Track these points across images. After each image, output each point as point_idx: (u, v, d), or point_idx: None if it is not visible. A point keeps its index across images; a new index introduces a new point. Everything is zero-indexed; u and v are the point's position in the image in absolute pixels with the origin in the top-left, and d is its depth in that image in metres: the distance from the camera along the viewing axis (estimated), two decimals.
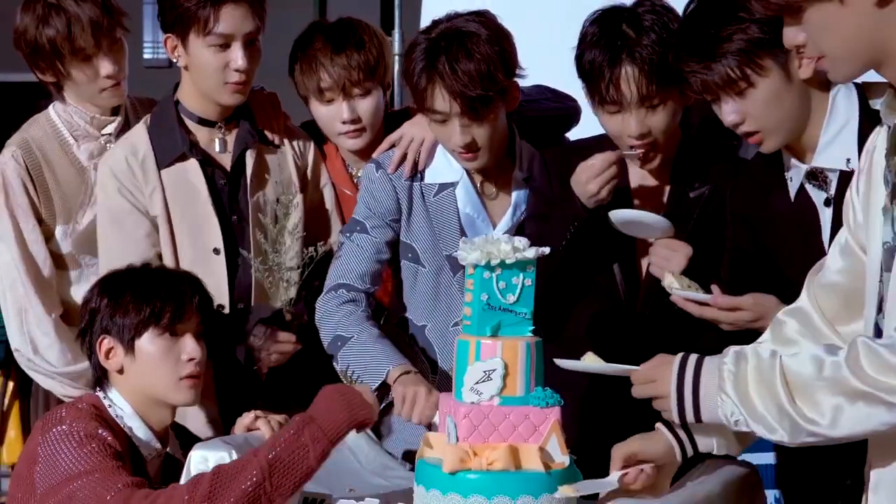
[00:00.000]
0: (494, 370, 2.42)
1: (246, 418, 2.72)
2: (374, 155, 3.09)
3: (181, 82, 3.16)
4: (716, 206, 2.79)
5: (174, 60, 3.11)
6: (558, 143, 3.09)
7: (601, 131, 2.88)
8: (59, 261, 3.30)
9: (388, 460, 2.88)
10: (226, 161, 3.16)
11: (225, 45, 3.02)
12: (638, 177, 2.88)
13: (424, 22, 4.38)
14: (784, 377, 2.10)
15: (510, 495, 2.37)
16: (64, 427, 2.59)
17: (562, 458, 2.42)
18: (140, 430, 2.71)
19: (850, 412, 2.04)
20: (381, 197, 3.02)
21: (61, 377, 3.29)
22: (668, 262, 2.71)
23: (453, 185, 3.00)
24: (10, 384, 3.41)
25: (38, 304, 3.25)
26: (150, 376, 2.71)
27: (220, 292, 3.05)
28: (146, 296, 2.72)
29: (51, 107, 3.33)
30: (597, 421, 2.82)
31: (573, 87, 2.96)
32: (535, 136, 3.04)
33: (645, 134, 2.75)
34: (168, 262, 3.09)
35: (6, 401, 3.45)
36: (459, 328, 2.61)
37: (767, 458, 3.06)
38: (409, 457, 2.94)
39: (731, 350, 2.19)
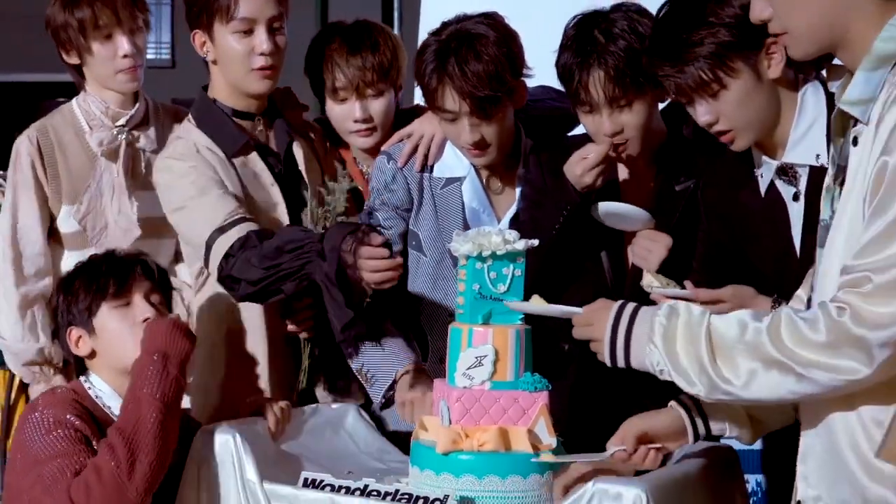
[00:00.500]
0: (486, 356, 2.53)
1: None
2: (384, 147, 3.15)
3: (211, 80, 3.18)
4: (698, 201, 2.90)
5: (204, 56, 3.14)
6: (561, 142, 3.19)
7: None
8: (61, 239, 3.41)
9: (385, 444, 2.97)
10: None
11: (249, 31, 3.06)
12: (626, 170, 2.99)
13: (424, 21, 4.48)
14: (709, 336, 2.20)
15: (500, 475, 2.48)
16: (36, 415, 2.74)
17: (549, 440, 2.53)
18: (117, 406, 2.80)
19: (763, 377, 2.14)
20: (393, 187, 3.08)
21: (7, 352, 3.39)
22: (649, 252, 2.82)
23: (460, 179, 3.08)
24: (17, 377, 3.48)
25: (11, 275, 3.36)
26: (116, 348, 2.83)
27: None
28: (92, 278, 2.88)
29: (74, 99, 3.46)
30: (583, 407, 2.92)
31: None
32: (539, 135, 3.12)
33: (618, 132, 2.85)
34: None
35: (13, 394, 3.52)
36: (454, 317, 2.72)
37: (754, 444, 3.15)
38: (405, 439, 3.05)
39: (666, 304, 2.28)
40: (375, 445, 2.96)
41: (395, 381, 2.95)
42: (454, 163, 3.09)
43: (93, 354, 2.86)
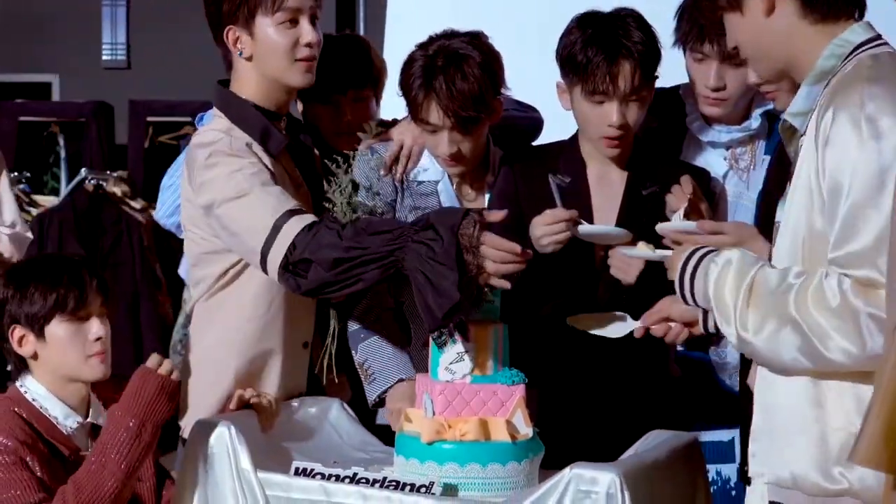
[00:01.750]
0: (467, 352, 2.70)
1: (242, 395, 2.94)
2: (364, 146, 3.23)
3: (236, 79, 3.08)
4: (663, 205, 3.08)
5: (237, 53, 3.03)
6: (531, 150, 3.35)
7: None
8: None
9: (367, 436, 3.10)
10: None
11: (293, 21, 3.01)
12: (596, 175, 3.14)
13: (391, 24, 4.66)
14: (752, 283, 2.36)
15: (480, 462, 2.65)
16: None
17: (526, 430, 2.71)
18: (56, 409, 2.92)
19: (772, 329, 2.32)
20: (381, 180, 3.19)
21: None
22: (628, 265, 2.98)
23: (435, 183, 3.24)
24: None
25: None
26: (62, 357, 2.92)
27: None
28: (50, 284, 2.91)
29: None
30: (560, 400, 3.09)
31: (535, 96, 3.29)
32: (507, 144, 3.28)
33: (623, 125, 3.05)
34: None
35: None
36: None
37: (731, 434, 3.28)
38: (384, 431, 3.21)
39: (726, 252, 2.45)
40: (358, 437, 3.09)
41: (390, 387, 3.09)
42: (429, 168, 3.24)
43: (35, 356, 2.94)
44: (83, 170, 7.17)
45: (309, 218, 2.84)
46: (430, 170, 3.24)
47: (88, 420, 2.96)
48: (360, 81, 3.44)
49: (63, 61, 10.12)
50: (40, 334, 2.92)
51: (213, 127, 3.05)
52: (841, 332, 2.27)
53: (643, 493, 2.55)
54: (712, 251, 2.48)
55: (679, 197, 2.96)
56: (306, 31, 3.02)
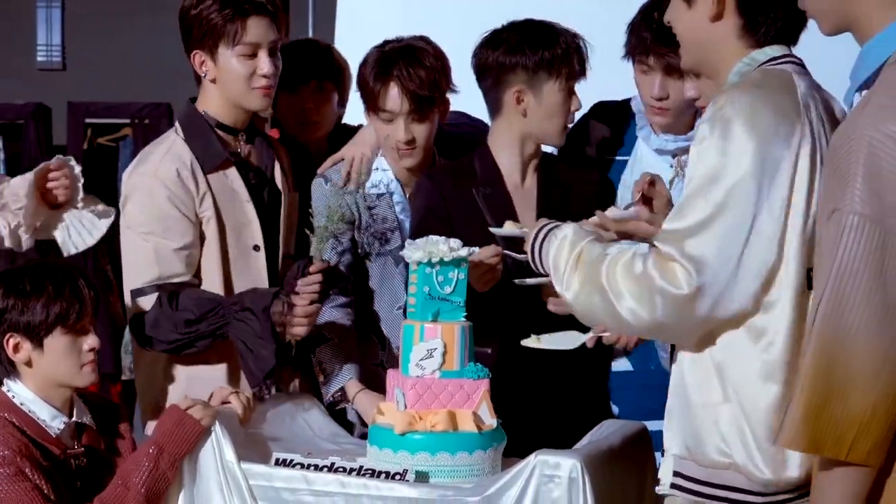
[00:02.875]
0: (435, 349, 2.90)
1: (221, 393, 3.10)
2: (320, 171, 3.49)
3: (203, 94, 3.37)
4: (573, 208, 3.25)
5: (202, 75, 3.33)
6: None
7: None
8: None
9: (338, 429, 3.30)
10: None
11: (252, 55, 3.28)
12: (513, 183, 3.34)
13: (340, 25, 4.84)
14: (580, 252, 2.63)
15: (450, 451, 2.85)
16: None
17: (490, 421, 2.91)
18: (43, 411, 2.99)
19: (587, 293, 2.59)
20: (340, 204, 3.36)
21: None
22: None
23: (389, 194, 3.46)
24: None
25: None
26: (57, 367, 2.99)
27: (260, 286, 3.31)
28: (52, 296, 2.96)
29: None
30: (520, 394, 3.28)
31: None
32: (452, 154, 3.50)
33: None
34: (214, 259, 3.30)
35: None
36: (401, 312, 3.15)
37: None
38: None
39: (567, 225, 2.73)
40: (328, 430, 3.27)
41: (343, 389, 3.30)
42: (380, 181, 3.46)
43: (29, 363, 2.99)
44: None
45: (153, 300, 3.25)
46: (381, 183, 3.45)
47: (73, 419, 3.04)
48: (322, 73, 3.73)
49: None
50: (38, 344, 2.97)
51: (160, 141, 3.38)
52: (633, 296, 2.52)
53: (600, 477, 2.76)
54: (556, 226, 2.73)
55: (635, 191, 3.20)
56: (263, 63, 3.29)
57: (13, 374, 3.02)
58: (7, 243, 3.54)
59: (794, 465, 2.49)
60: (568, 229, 2.70)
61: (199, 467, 2.95)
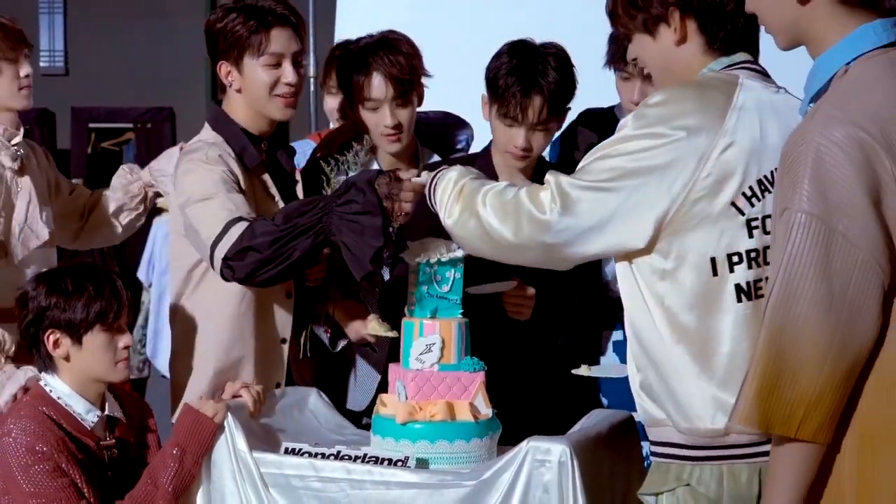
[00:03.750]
0: (434, 344, 3.06)
1: (232, 387, 3.24)
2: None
3: (228, 103, 3.47)
4: None
5: (228, 85, 3.43)
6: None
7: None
8: None
9: (342, 420, 3.44)
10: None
11: (277, 65, 3.38)
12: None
13: (340, 25, 5.00)
14: (463, 187, 2.82)
15: (448, 439, 3.01)
16: (9, 440, 3.02)
17: (486, 411, 3.07)
18: (79, 405, 3.14)
19: (465, 218, 2.79)
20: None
21: None
22: (521, 306, 3.35)
23: None
24: None
25: None
26: (94, 362, 3.13)
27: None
28: (93, 295, 3.10)
29: None
30: (512, 388, 3.44)
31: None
32: (435, 146, 3.73)
33: (527, 148, 3.40)
34: None
35: None
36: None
37: None
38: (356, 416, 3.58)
39: (454, 170, 2.92)
40: (334, 422, 3.42)
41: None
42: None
43: (67, 358, 3.13)
44: None
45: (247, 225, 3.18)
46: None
47: (105, 413, 3.21)
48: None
49: None
50: (77, 340, 3.11)
51: (200, 137, 3.48)
52: (499, 217, 2.73)
53: (589, 461, 2.92)
54: (446, 168, 2.94)
55: None
56: (287, 73, 3.42)
57: (50, 369, 3.15)
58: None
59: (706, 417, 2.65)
60: (455, 170, 2.91)
61: (213, 457, 3.10)
